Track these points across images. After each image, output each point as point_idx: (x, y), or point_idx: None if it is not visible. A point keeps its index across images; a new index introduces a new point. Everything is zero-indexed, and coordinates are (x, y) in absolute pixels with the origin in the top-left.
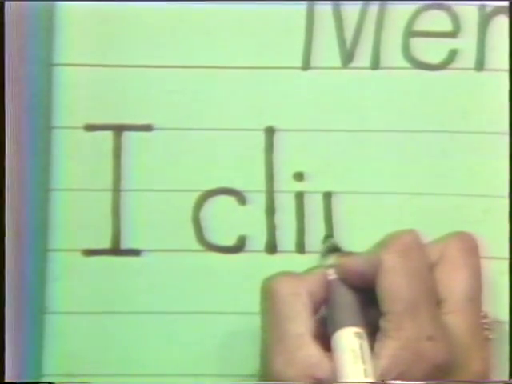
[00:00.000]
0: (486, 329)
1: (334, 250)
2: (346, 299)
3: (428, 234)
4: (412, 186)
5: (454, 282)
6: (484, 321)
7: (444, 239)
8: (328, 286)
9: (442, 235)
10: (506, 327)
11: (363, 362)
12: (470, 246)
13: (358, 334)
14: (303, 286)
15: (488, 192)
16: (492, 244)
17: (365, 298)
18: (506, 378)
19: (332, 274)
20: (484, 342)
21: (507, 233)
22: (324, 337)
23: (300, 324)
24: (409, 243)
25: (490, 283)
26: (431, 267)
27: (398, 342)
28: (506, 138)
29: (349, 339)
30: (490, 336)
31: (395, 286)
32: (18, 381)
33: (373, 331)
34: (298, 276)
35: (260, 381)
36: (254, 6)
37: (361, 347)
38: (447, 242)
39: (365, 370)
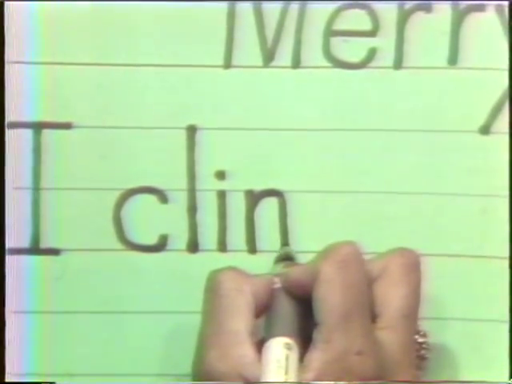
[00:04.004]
0: (423, 348)
1: (287, 258)
2: (285, 310)
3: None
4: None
5: (391, 298)
6: (420, 340)
7: (386, 255)
8: (272, 293)
9: (389, 250)
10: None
11: (286, 373)
12: (410, 263)
13: (287, 345)
14: (249, 284)
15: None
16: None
17: (307, 308)
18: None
19: (277, 283)
20: (415, 360)
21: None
22: (262, 342)
23: (239, 321)
24: (347, 255)
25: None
26: (370, 281)
27: (326, 355)
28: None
29: (276, 349)
30: (426, 355)
31: (329, 297)
32: (17, 381)
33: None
34: (245, 274)
35: (192, 373)
36: (175, 5)
37: (287, 358)
38: (389, 258)
39: (285, 380)
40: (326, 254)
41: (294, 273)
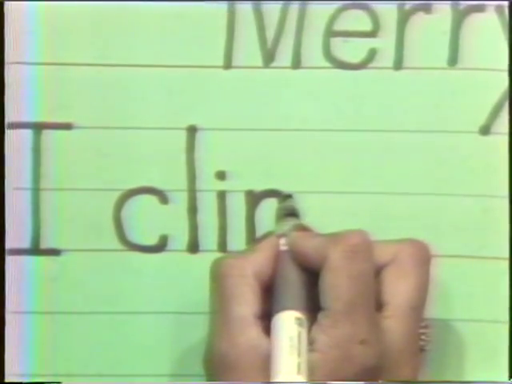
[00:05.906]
0: (423, 340)
1: (291, 214)
2: (293, 278)
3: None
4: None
5: (399, 288)
6: (422, 331)
7: (398, 242)
8: (278, 257)
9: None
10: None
11: (298, 355)
12: (422, 255)
13: (298, 321)
14: (250, 267)
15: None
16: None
17: (313, 277)
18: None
19: (284, 245)
20: (417, 352)
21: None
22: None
23: (245, 306)
24: (356, 244)
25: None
26: (377, 270)
27: (330, 340)
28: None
29: (288, 325)
30: (426, 347)
31: (337, 285)
32: (18, 381)
33: (316, 315)
34: (245, 256)
35: (203, 363)
36: (175, 5)
37: (299, 336)
38: (401, 246)
39: (299, 364)
40: (335, 239)
41: (303, 245)
